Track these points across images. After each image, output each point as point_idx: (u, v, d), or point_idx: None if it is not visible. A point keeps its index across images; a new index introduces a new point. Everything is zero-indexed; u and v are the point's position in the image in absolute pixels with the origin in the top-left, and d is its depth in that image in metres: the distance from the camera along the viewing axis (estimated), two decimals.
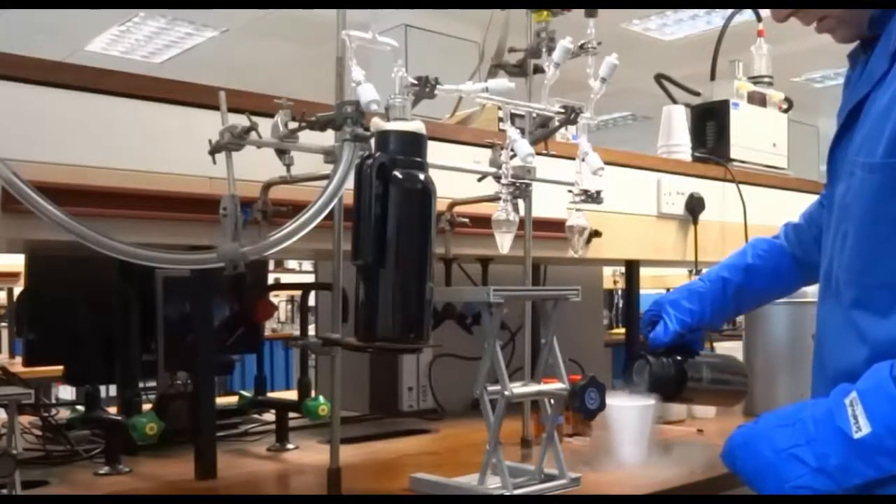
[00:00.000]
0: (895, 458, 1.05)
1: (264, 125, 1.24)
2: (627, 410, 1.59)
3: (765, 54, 2.77)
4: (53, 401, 3.60)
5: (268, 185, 1.40)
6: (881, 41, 1.19)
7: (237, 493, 1.45)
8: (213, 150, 1.20)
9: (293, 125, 1.28)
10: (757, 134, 2.58)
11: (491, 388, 1.34)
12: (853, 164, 1.18)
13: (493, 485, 1.34)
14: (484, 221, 1.54)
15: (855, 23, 1.24)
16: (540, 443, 1.43)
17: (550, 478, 1.41)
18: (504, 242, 1.51)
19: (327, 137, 1.31)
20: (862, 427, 1.05)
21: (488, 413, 1.33)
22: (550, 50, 1.52)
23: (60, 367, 1.82)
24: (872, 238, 1.16)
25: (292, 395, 1.84)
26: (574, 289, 1.44)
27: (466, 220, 1.67)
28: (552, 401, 1.44)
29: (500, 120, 1.85)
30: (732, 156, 2.49)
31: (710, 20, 6.82)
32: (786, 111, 2.71)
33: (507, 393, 1.32)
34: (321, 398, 1.75)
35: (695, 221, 2.29)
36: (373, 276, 1.22)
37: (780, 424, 1.15)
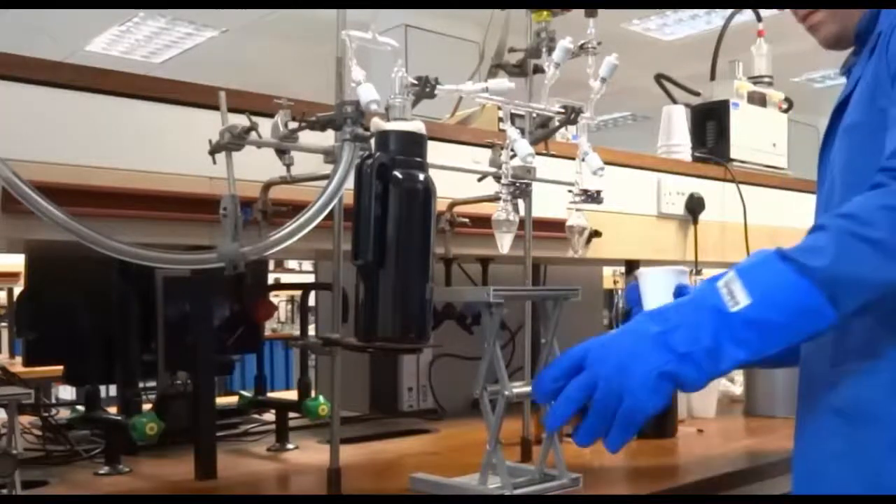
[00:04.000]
0: (767, 334, 0.94)
1: (264, 125, 1.24)
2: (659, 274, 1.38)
3: (765, 54, 2.76)
4: (53, 401, 3.60)
5: (268, 185, 1.40)
6: (864, 48, 1.20)
7: (237, 493, 1.45)
8: (213, 150, 1.20)
9: (293, 125, 1.28)
10: (757, 134, 2.58)
11: (491, 388, 1.34)
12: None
13: (493, 485, 1.34)
14: (484, 221, 1.54)
15: (840, 18, 1.24)
16: (540, 443, 1.43)
17: (550, 478, 1.41)
18: (504, 242, 1.50)
19: (327, 137, 1.31)
20: (739, 300, 0.94)
21: (488, 413, 1.33)
22: (550, 50, 1.52)
23: (60, 367, 1.82)
24: (854, 184, 1.07)
25: (292, 395, 1.84)
26: (574, 289, 1.44)
27: (466, 220, 1.67)
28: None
29: (500, 120, 1.84)
30: (732, 156, 2.49)
31: (710, 20, 6.81)
32: (786, 111, 2.71)
33: (507, 393, 1.32)
34: (321, 398, 1.75)
35: (695, 221, 2.29)
36: (373, 276, 1.22)
37: (647, 319, 1.01)
